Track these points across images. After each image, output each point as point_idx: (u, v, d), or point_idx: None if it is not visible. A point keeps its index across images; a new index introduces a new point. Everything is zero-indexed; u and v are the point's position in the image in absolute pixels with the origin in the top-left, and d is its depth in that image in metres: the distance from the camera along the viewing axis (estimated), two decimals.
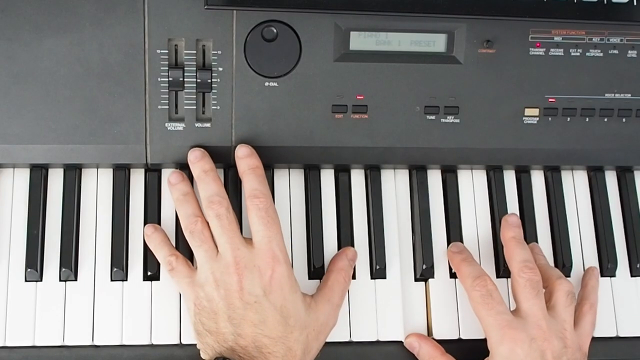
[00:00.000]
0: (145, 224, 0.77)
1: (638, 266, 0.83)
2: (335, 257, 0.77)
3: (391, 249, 0.80)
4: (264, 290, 0.69)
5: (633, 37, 0.81)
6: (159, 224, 0.77)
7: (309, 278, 0.78)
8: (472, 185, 0.84)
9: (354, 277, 0.78)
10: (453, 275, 0.80)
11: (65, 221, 0.76)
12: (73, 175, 0.77)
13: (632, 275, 0.84)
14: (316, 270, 0.77)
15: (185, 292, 0.73)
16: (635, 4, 0.78)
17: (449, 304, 0.79)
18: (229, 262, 0.70)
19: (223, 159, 0.77)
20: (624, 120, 0.82)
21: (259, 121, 0.77)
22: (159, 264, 0.76)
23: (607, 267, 0.83)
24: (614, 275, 0.83)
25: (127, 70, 0.75)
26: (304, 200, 0.80)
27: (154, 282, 0.76)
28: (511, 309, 0.75)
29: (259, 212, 0.71)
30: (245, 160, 0.75)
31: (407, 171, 0.83)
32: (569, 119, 0.81)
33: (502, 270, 0.80)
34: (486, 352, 0.74)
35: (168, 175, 0.76)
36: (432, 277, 0.80)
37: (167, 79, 0.75)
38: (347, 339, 0.77)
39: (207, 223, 0.72)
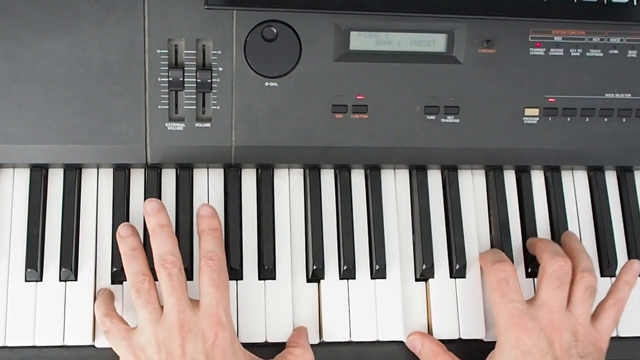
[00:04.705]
0: (145, 224, 0.77)
1: None
2: (294, 334, 0.76)
3: (391, 249, 0.79)
4: (206, 355, 0.67)
5: (633, 37, 0.81)
6: None
7: (307, 281, 0.78)
8: (472, 185, 0.84)
9: (354, 277, 0.78)
10: (453, 275, 0.80)
11: (65, 221, 0.76)
12: (73, 175, 0.77)
13: None
14: (315, 272, 0.77)
15: (123, 354, 0.70)
16: (635, 4, 0.78)
17: (449, 304, 0.79)
18: (173, 324, 0.68)
19: (223, 159, 0.77)
20: (624, 120, 0.82)
21: (259, 121, 0.77)
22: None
23: (607, 267, 0.82)
24: (614, 275, 0.83)
25: (127, 70, 0.75)
26: (304, 200, 0.80)
27: None
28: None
29: (211, 274, 0.70)
30: (207, 220, 0.74)
31: (407, 171, 0.83)
32: (569, 119, 0.81)
33: None
34: (485, 353, 0.74)
35: (119, 228, 0.74)
36: (432, 277, 0.80)
37: (167, 79, 0.75)
38: (347, 339, 0.77)
39: (154, 282, 0.71)
